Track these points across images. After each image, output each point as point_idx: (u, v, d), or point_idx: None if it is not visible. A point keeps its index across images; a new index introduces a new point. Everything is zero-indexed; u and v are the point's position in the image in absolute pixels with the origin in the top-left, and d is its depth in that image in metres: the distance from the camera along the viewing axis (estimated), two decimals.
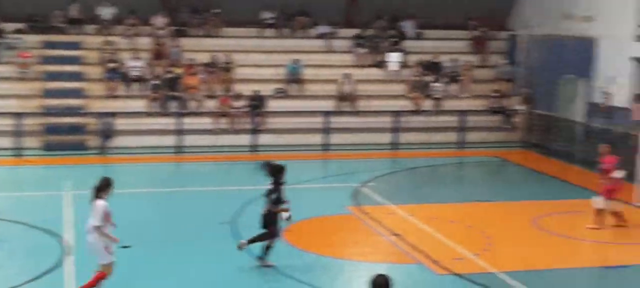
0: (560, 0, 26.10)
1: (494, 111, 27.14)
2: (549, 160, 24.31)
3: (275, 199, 13.18)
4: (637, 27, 22.52)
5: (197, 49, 26.93)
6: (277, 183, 13.26)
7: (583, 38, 24.66)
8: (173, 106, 25.31)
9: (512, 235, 15.98)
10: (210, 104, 25.55)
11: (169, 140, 24.21)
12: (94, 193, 11.25)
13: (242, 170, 22.36)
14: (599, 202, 16.32)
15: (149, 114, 25.00)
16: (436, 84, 27.19)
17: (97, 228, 11.11)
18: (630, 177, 19.51)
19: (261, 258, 13.37)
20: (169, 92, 25.38)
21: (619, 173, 16.23)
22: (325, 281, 12.93)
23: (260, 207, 17.35)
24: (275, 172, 13.29)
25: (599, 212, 16.31)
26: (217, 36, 27.83)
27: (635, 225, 17.52)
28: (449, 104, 27.03)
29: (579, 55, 24.76)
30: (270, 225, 13.21)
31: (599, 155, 16.89)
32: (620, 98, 23.05)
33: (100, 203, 11.12)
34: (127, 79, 25.57)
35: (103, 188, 11.28)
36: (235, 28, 28.22)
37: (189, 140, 24.25)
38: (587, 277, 14.03)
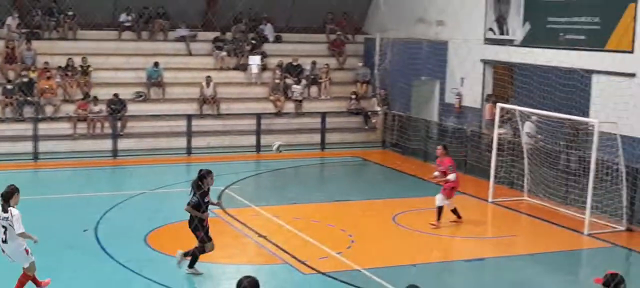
0: (413, 5, 27.04)
1: (353, 113, 27.84)
2: (407, 159, 25.16)
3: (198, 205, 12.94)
4: (488, 30, 23.66)
5: (52, 52, 26.15)
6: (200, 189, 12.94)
7: (436, 41, 25.67)
8: (28, 111, 24.49)
9: (374, 233, 16.47)
10: (68, 109, 24.89)
11: (25, 147, 23.42)
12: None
13: (103, 176, 21.95)
14: (440, 199, 16.86)
15: (2, 120, 24.09)
16: (296, 87, 27.59)
17: (23, 234, 11.46)
18: (484, 174, 20.56)
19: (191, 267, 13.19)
20: (23, 96, 24.54)
21: (452, 176, 16.75)
22: (192, 284, 12.93)
23: (122, 213, 17.24)
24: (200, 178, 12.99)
25: (440, 209, 16.87)
26: (73, 39, 27.11)
27: (489, 221, 18.45)
28: (309, 106, 27.50)
29: (432, 58, 25.75)
30: (199, 231, 12.95)
31: (436, 156, 17.53)
32: (472, 99, 24.16)
33: (17, 211, 11.45)
34: None
35: (11, 195, 11.51)
36: (92, 31, 27.59)
37: (46, 146, 23.53)
38: (447, 271, 14.66)
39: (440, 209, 16.89)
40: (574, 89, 20.02)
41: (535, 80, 21.28)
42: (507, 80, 23.32)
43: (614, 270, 7.98)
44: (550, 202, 19.07)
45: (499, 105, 20.39)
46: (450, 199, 17.01)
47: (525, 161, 19.76)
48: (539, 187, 19.44)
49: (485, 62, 23.77)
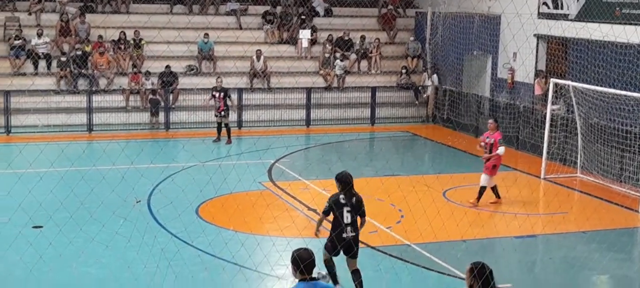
0: None
1: (403, 87, 27.70)
2: (457, 134, 24.99)
3: None
4: (542, 5, 23.28)
5: (105, 25, 26.46)
6: None
7: (488, 15, 25.35)
8: (82, 84, 24.91)
9: (424, 208, 16.38)
10: (121, 82, 25.23)
11: (80, 118, 23.86)
12: None
13: (155, 147, 22.22)
14: (485, 179, 16.70)
15: (57, 92, 24.52)
16: (338, 62, 27.45)
17: None
18: (537, 150, 20.31)
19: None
20: (77, 69, 24.94)
21: (501, 150, 16.56)
22: (243, 256, 13.04)
23: (174, 185, 17.46)
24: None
25: (483, 189, 16.74)
26: (125, 13, 27.40)
27: (541, 197, 18.24)
28: (359, 80, 27.43)
29: (484, 32, 25.46)
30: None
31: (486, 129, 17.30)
32: (525, 74, 23.85)
33: None
34: (33, 56, 24.97)
35: None
36: (144, 4, 27.87)
37: (100, 118, 23.93)
38: (497, 246, 14.56)
39: (483, 189, 16.73)
40: (630, 65, 19.62)
41: (589, 56, 20.92)
42: (560, 56, 22.96)
43: None
44: (604, 179, 18.79)
45: (553, 80, 20.11)
46: (492, 177, 16.82)
47: (579, 137, 19.48)
48: (592, 164, 19.16)
49: (539, 37, 23.41)
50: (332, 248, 11.05)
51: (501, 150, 16.57)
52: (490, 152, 16.67)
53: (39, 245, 12.75)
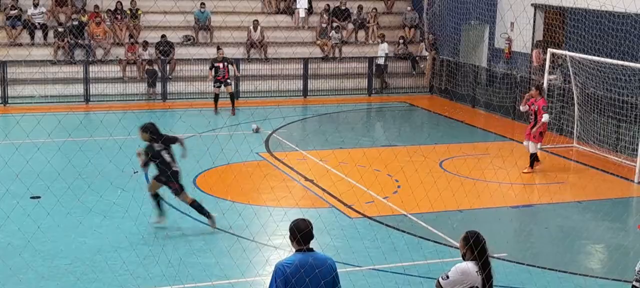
0: None
1: (400, 57, 27.64)
2: (454, 104, 25.01)
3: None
4: None
5: None
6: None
7: None
8: (79, 54, 24.85)
9: (420, 178, 16.43)
10: (118, 52, 25.17)
11: (77, 89, 23.82)
12: None
13: (152, 118, 22.18)
14: (532, 146, 17.09)
15: (54, 62, 24.47)
16: (337, 33, 27.35)
17: None
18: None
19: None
20: (74, 39, 24.86)
21: (546, 117, 16.91)
22: (240, 226, 13.10)
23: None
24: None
25: (533, 156, 17.16)
26: None
27: (537, 167, 18.29)
28: (357, 50, 27.38)
29: (482, 2, 25.36)
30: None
31: (524, 99, 17.43)
32: (522, 44, 23.81)
33: None
34: (29, 27, 24.89)
35: None
36: None
37: (97, 88, 23.90)
38: (493, 216, 14.62)
39: (533, 156, 17.06)
40: (627, 35, 19.60)
41: (587, 25, 20.88)
42: (558, 25, 22.91)
43: None
44: (600, 149, 18.84)
45: (550, 50, 20.08)
46: (537, 144, 17.14)
47: (575, 107, 19.50)
48: (588, 134, 19.20)
49: (536, 6, 23.34)
50: (161, 181, 12.88)
51: (545, 117, 16.86)
52: (536, 119, 16.91)
53: (36, 216, 12.80)
